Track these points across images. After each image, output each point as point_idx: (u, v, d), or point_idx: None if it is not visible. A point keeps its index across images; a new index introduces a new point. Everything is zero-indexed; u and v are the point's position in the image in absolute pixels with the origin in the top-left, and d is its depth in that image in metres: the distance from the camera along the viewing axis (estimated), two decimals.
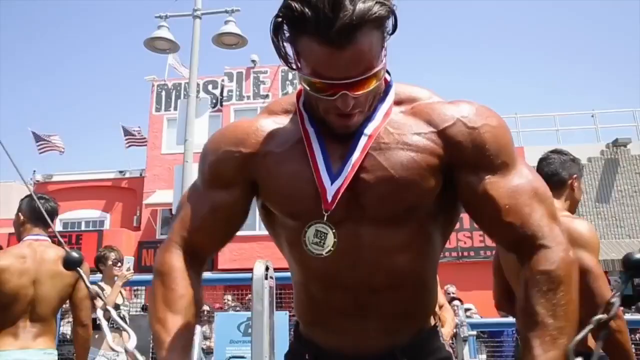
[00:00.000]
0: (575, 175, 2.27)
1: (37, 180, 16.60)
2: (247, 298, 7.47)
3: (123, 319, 4.07)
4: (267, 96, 15.61)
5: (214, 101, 15.55)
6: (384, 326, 1.09)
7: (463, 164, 1.02)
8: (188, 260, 1.09)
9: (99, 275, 4.27)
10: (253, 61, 15.87)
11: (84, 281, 1.06)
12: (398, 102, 1.08)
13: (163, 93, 16.40)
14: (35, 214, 2.71)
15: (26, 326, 2.60)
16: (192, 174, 7.32)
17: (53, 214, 2.83)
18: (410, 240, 1.05)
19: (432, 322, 1.18)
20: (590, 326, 0.88)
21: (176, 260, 1.08)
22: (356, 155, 1.02)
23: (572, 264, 0.96)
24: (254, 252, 13.65)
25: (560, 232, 0.98)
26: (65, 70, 48.39)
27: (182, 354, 0.97)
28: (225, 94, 15.90)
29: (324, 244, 1.01)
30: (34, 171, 16.87)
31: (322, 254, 1.01)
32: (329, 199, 1.01)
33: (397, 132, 1.03)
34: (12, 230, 2.94)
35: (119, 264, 4.21)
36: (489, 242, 12.62)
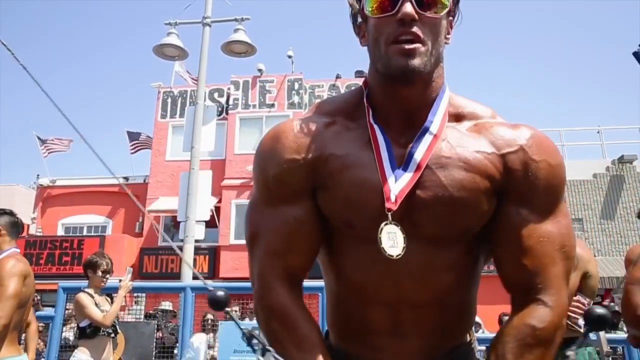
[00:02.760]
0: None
1: (41, 185, 16.59)
2: (248, 307, 7.41)
3: (114, 324, 4.02)
4: (272, 105, 15.63)
5: (220, 109, 15.56)
6: (423, 344, 1.05)
7: (510, 192, 1.00)
8: (291, 291, 1.03)
9: (85, 281, 4.17)
10: (259, 70, 15.91)
11: (235, 322, 1.08)
12: (460, 117, 1.06)
13: (169, 100, 16.44)
14: (15, 228, 2.95)
15: (20, 331, 2.87)
16: (198, 181, 7.31)
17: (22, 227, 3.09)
18: (457, 261, 1.02)
19: (468, 337, 1.14)
20: None
21: (284, 297, 1.02)
22: (420, 155, 0.99)
23: (560, 330, 0.96)
24: None
25: (565, 298, 0.97)
26: (71, 74, 48.67)
27: None
28: (231, 102, 15.93)
29: (397, 243, 0.96)
30: (38, 175, 16.90)
31: (400, 253, 0.95)
32: (392, 198, 0.96)
33: (459, 148, 1.00)
34: None
35: (108, 276, 4.13)
36: None
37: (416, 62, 0.95)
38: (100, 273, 4.03)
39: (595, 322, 0.99)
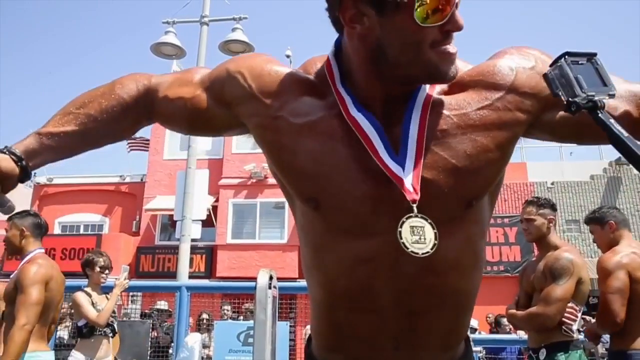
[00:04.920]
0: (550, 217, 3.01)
1: (38, 183, 16.54)
2: (244, 307, 7.39)
3: (111, 324, 3.98)
4: None
5: None
6: (416, 357, 0.95)
7: (545, 107, 0.92)
8: (138, 100, 1.06)
9: (85, 280, 4.15)
10: None
11: None
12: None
13: None
14: (39, 229, 3.04)
15: (51, 330, 3.00)
16: (195, 180, 7.29)
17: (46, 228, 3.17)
18: (462, 249, 0.92)
19: (464, 345, 1.05)
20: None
21: (132, 90, 1.06)
22: (415, 131, 0.89)
23: None
24: (253, 260, 13.58)
25: None
26: (69, 72, 48.56)
27: (41, 147, 0.98)
28: None
29: (425, 239, 0.85)
30: (35, 174, 16.81)
31: (429, 251, 0.84)
32: (410, 188, 0.86)
33: (455, 114, 0.91)
34: None
35: (107, 272, 4.10)
36: (489, 257, 12.56)
37: (455, 68, 0.88)
38: (98, 269, 4.00)
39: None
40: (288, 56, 16.51)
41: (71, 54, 48.09)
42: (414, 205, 0.85)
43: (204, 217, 7.81)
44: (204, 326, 6.71)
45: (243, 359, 4.67)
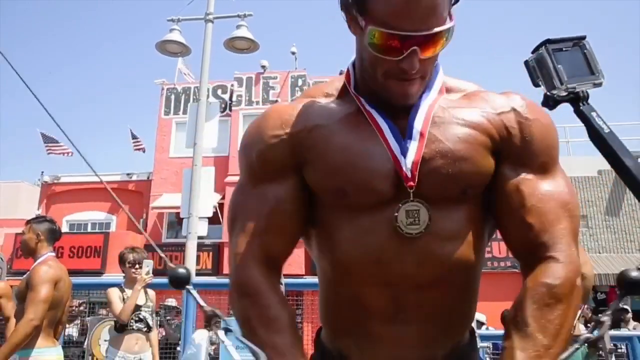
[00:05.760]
0: None
1: (45, 181, 16.64)
2: None
3: (144, 320, 4.02)
4: (276, 102, 15.60)
5: (223, 106, 15.56)
6: (424, 334, 1.00)
7: (507, 154, 0.99)
8: (267, 271, 0.99)
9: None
10: (263, 67, 15.88)
11: (197, 300, 1.03)
12: (447, 90, 1.05)
13: (172, 96, 16.44)
14: (53, 234, 3.29)
15: (58, 328, 3.22)
16: (201, 177, 7.30)
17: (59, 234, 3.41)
18: (459, 227, 0.98)
19: (469, 335, 1.11)
20: (577, 345, 0.87)
21: (258, 276, 0.97)
22: (419, 125, 0.98)
23: (577, 286, 0.92)
24: None
25: (577, 254, 0.94)
26: (75, 71, 48.75)
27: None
28: (234, 98, 15.92)
29: (418, 220, 0.94)
30: (42, 172, 16.94)
31: (422, 230, 0.95)
32: (408, 173, 0.95)
33: (452, 109, 1.01)
34: (19, 230, 3.40)
35: (137, 266, 4.11)
36: (496, 253, 12.52)
37: (415, 93, 0.97)
38: (128, 265, 4.10)
39: (630, 286, 0.92)
40: (293, 53, 16.51)
41: (77, 52, 48.34)
42: (411, 191, 0.95)
43: (211, 215, 7.81)
44: (213, 322, 6.72)
45: (250, 356, 4.67)
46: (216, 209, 12.57)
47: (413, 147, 0.96)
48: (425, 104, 0.99)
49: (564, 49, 0.76)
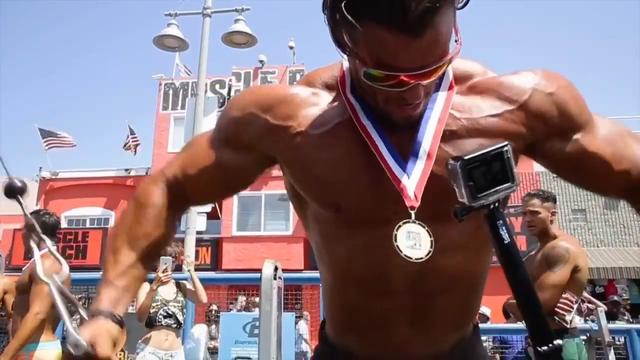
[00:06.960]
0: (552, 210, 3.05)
1: (43, 177, 16.61)
2: (250, 299, 7.41)
3: (173, 315, 3.90)
4: None
5: (221, 101, 15.52)
6: (430, 335, 0.99)
7: (550, 134, 0.96)
8: (170, 199, 1.04)
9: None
10: (261, 61, 15.84)
11: (23, 211, 1.00)
12: (455, 81, 0.97)
13: (170, 92, 16.39)
14: (53, 228, 3.28)
15: (57, 323, 3.18)
16: None
17: (57, 227, 3.42)
18: (468, 236, 0.94)
19: (472, 326, 1.09)
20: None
21: (158, 194, 1.03)
22: (428, 143, 0.91)
23: None
24: (258, 252, 13.61)
25: None
26: (72, 67, 48.62)
27: (121, 293, 0.94)
28: (232, 93, 15.87)
29: (420, 245, 0.87)
30: (40, 168, 16.90)
31: (423, 257, 0.86)
32: (411, 195, 0.88)
33: (465, 117, 0.93)
34: (18, 226, 3.40)
35: (165, 264, 3.94)
36: None
37: (418, 111, 0.90)
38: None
39: None
40: (291, 47, 16.47)
41: (74, 48, 48.21)
42: (412, 212, 0.88)
43: (209, 210, 7.83)
44: (213, 317, 6.74)
45: (249, 349, 4.70)
46: (215, 204, 12.58)
47: (419, 167, 0.90)
48: (435, 115, 0.92)
49: (479, 165, 0.74)
